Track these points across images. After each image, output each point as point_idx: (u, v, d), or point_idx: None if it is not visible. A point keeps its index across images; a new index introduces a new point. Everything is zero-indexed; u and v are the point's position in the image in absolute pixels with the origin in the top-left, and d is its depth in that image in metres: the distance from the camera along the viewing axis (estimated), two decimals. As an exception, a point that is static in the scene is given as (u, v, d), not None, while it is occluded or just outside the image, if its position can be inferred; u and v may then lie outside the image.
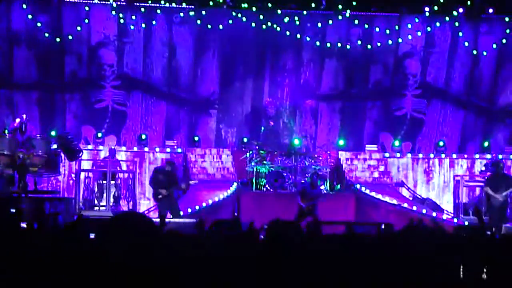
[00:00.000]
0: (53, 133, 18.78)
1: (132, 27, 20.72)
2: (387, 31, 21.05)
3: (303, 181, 18.38)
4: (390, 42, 21.08)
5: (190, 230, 12.16)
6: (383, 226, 13.35)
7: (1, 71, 20.40)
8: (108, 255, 3.51)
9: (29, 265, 4.31)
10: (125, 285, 3.53)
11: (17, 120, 15.56)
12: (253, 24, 20.65)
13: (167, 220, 14.65)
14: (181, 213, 16.43)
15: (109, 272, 3.49)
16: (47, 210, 15.38)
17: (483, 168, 19.86)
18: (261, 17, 20.60)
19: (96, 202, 17.62)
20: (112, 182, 17.59)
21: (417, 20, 21.00)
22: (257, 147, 19.39)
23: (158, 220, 13.03)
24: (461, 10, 20.71)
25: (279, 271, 4.45)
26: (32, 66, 20.53)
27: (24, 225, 10.19)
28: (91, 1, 20.45)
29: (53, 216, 15.07)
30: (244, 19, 20.57)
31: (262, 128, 20.98)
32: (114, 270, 3.47)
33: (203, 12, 20.52)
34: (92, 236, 6.91)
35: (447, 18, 20.93)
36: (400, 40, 21.18)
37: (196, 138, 20.80)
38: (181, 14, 20.73)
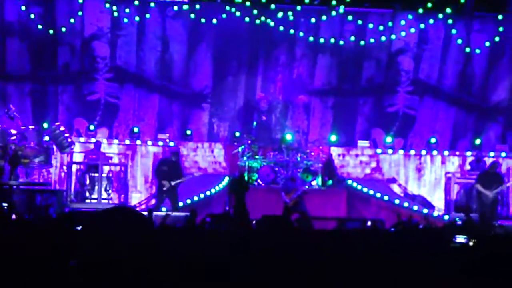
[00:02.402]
0: (45, 125, 18.75)
1: (125, 20, 20.68)
2: (381, 28, 21.06)
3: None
4: (383, 38, 21.09)
5: (182, 223, 12.19)
6: (369, 223, 13.41)
7: (-7, 63, 20.35)
8: (92, 247, 3.52)
9: (21, 257, 4.32)
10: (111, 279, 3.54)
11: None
12: (247, 19, 20.63)
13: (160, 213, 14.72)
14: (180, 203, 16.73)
15: (93, 264, 3.50)
16: (38, 202, 15.39)
17: (469, 167, 19.95)
18: (255, 11, 20.57)
19: (87, 194, 17.64)
20: (96, 174, 17.63)
21: (410, 16, 21.01)
22: (249, 142, 19.39)
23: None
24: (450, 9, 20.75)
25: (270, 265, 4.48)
26: (25, 57, 20.47)
27: (13, 216, 10.19)
28: (85, -6, 20.40)
29: (44, 208, 15.09)
30: (237, 13, 20.54)
31: (255, 122, 20.99)
32: (98, 262, 3.48)
33: (197, 6, 20.49)
34: (78, 228, 6.93)
35: (440, 16, 20.94)
36: (393, 36, 21.19)
37: (189, 132, 20.79)
38: (175, 8, 20.69)
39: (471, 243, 9.74)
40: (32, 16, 20.14)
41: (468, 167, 20.06)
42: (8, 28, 20.33)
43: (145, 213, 12.28)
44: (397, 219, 13.50)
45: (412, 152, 20.95)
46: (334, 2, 20.67)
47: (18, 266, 4.15)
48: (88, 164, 18.17)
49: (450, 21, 21.01)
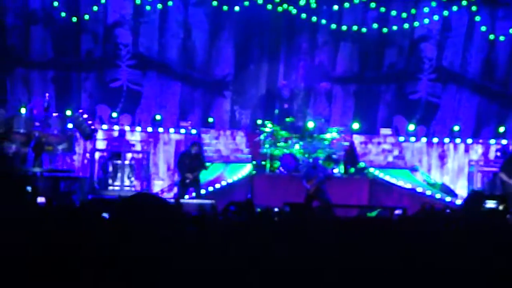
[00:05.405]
0: (68, 112, 18.85)
1: (148, 7, 20.70)
2: (404, 15, 20.95)
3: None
4: (406, 25, 20.98)
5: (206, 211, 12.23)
6: (397, 212, 13.33)
7: (17, 50, 20.45)
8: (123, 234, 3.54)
9: (48, 242, 4.34)
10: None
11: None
12: (269, 7, 20.59)
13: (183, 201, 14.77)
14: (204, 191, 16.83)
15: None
16: (61, 189, 15.52)
17: (498, 154, 19.84)
18: (277, -1, 20.57)
19: (110, 181, 17.73)
20: (127, 162, 17.71)
21: (434, 4, 20.89)
22: (272, 129, 19.35)
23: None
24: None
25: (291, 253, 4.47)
26: (48, 45, 20.56)
27: (42, 199, 10.26)
28: (107, -19, 20.45)
29: (67, 195, 15.21)
30: (260, 1, 20.51)
31: (276, 110, 20.96)
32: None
33: (219, -6, 20.49)
34: (105, 215, 6.96)
35: (464, 3, 20.81)
36: (416, 24, 21.08)
37: (211, 120, 20.82)
38: (197, -5, 20.69)
39: (501, 207, 9.74)
40: (56, 3, 20.21)
41: (497, 153, 19.94)
42: (31, 16, 20.41)
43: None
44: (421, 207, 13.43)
45: (435, 140, 20.87)
46: (357, -11, 20.60)
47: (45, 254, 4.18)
48: (110, 152, 18.24)
49: (474, 8, 20.87)
